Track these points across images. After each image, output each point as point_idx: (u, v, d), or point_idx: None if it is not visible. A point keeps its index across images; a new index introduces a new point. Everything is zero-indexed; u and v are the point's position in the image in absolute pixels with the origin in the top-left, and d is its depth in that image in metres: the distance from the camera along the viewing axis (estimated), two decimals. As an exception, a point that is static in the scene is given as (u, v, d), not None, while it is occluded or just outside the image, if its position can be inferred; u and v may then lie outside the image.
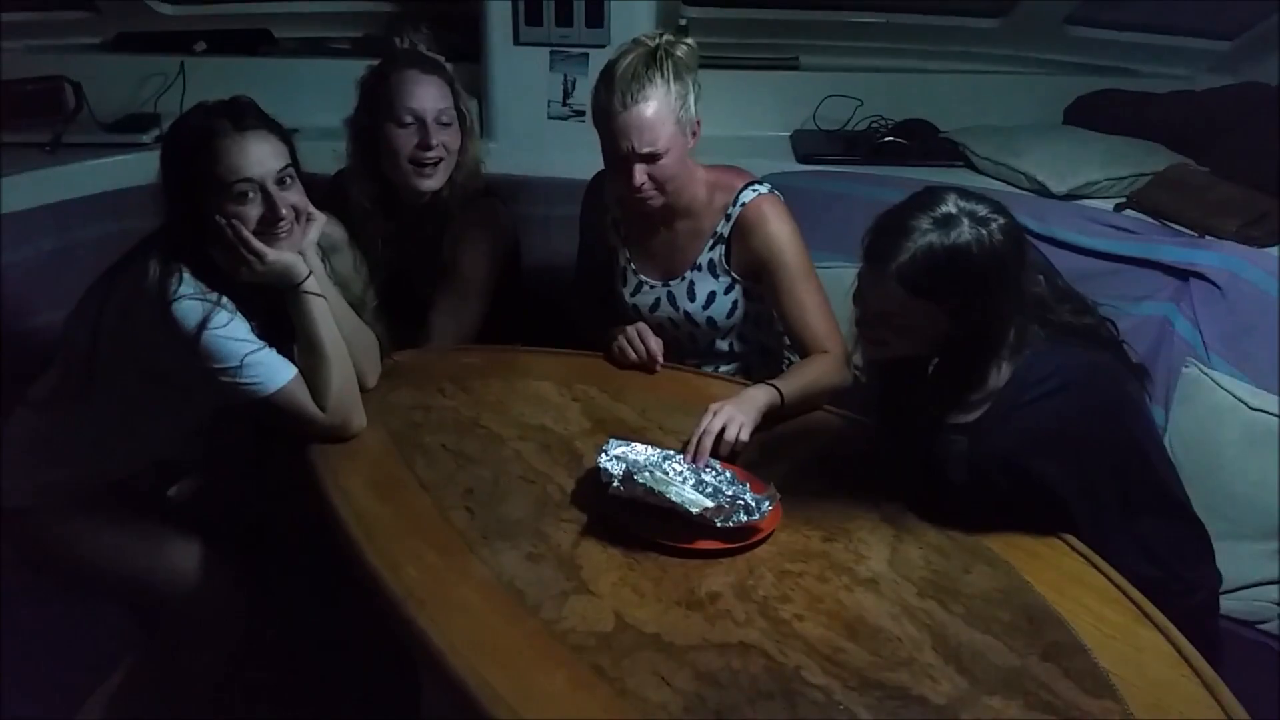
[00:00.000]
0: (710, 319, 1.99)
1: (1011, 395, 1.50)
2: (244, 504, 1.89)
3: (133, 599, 1.72)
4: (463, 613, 1.33)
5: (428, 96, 2.00)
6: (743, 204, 1.93)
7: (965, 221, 1.42)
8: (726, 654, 1.27)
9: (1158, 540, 1.59)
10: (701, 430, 1.63)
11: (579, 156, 2.43)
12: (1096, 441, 1.49)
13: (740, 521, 1.45)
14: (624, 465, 1.53)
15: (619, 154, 1.81)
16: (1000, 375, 1.50)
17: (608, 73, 1.81)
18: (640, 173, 1.81)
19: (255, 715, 1.82)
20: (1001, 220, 1.44)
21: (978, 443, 1.50)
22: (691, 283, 1.99)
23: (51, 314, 1.71)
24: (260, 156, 1.58)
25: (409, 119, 1.99)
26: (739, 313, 1.99)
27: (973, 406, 1.52)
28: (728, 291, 1.97)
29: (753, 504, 1.48)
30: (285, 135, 1.63)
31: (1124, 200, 2.36)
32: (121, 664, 1.69)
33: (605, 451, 1.55)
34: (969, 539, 1.50)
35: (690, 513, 1.44)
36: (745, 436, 1.65)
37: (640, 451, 1.58)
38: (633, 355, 1.91)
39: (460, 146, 2.05)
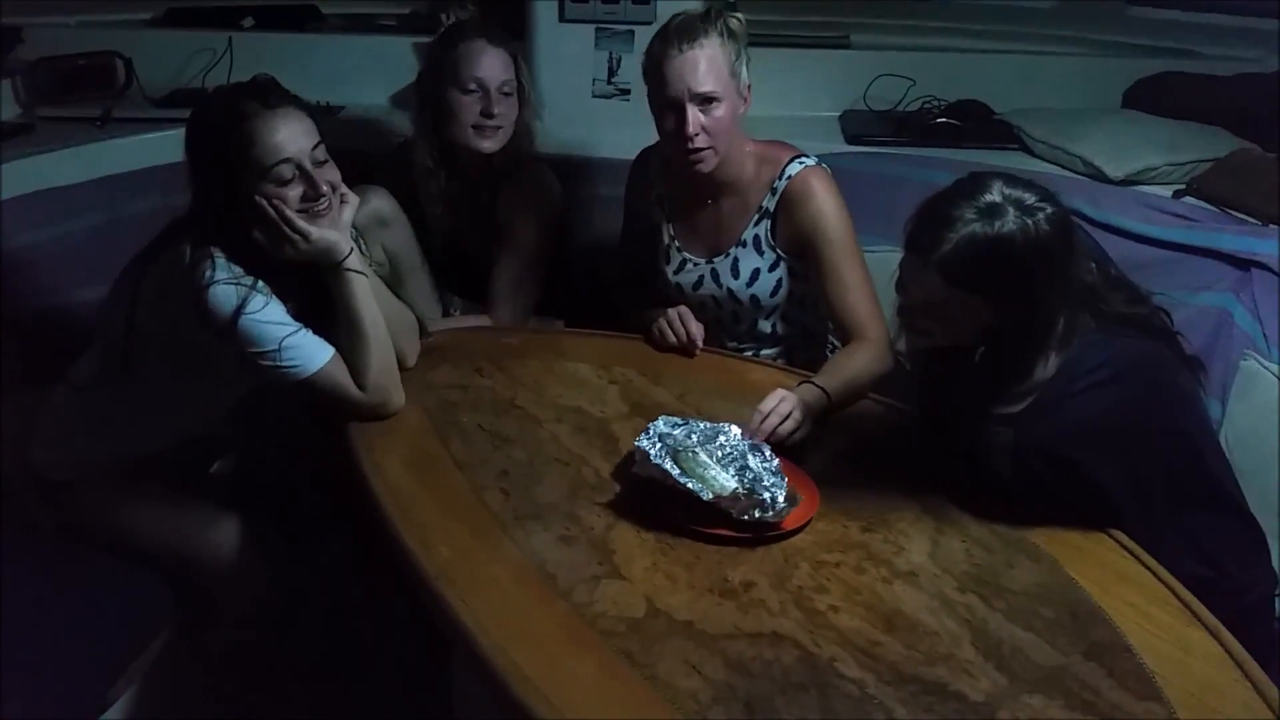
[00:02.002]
0: (754, 297, 1.96)
1: (1059, 386, 1.45)
2: (282, 480, 1.90)
3: (171, 572, 1.74)
4: (494, 593, 1.32)
5: (493, 66, 2.08)
6: (789, 177, 1.90)
7: (1010, 210, 1.37)
8: (759, 644, 1.25)
9: (1209, 538, 1.54)
10: (769, 410, 1.60)
11: (624, 134, 2.42)
12: (1146, 434, 1.45)
13: (754, 517, 1.41)
14: (659, 444, 1.50)
15: (673, 98, 1.79)
16: (1048, 366, 1.46)
17: (663, 29, 1.83)
18: (695, 119, 1.78)
19: (288, 690, 1.83)
20: (1049, 209, 1.39)
21: (1023, 434, 1.46)
22: (736, 259, 1.96)
23: (100, 288, 1.72)
24: (294, 135, 1.57)
25: (473, 86, 2.07)
26: (783, 291, 1.96)
27: (1019, 397, 1.48)
28: (772, 269, 1.94)
29: (770, 502, 1.42)
30: (312, 111, 1.62)
31: (1184, 186, 2.28)
32: (156, 638, 1.70)
33: (649, 430, 1.53)
34: (1013, 533, 1.47)
35: (701, 499, 1.42)
36: (792, 433, 1.60)
37: (689, 429, 1.55)
38: (672, 338, 1.89)
39: (517, 115, 2.13)
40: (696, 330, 1.89)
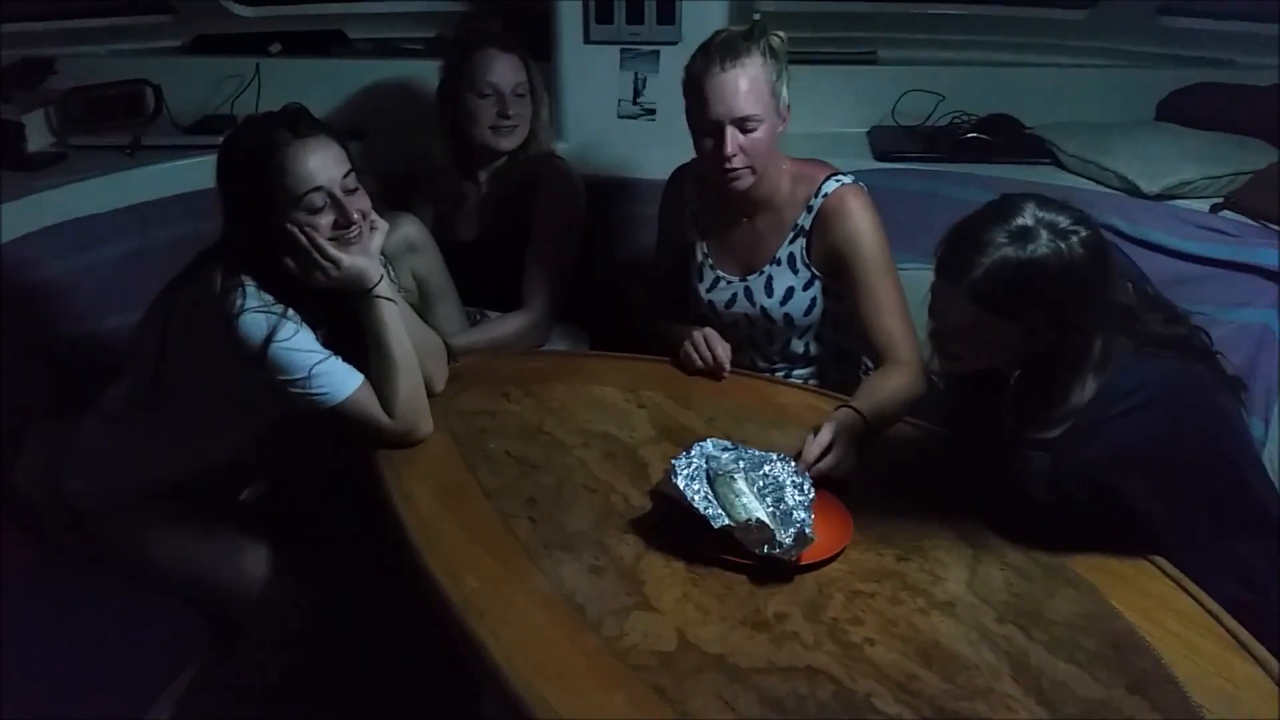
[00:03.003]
0: (788, 315, 1.95)
1: (1097, 411, 1.42)
2: (312, 507, 1.90)
3: (201, 600, 1.74)
4: (522, 626, 1.30)
5: (506, 71, 2.22)
6: (825, 195, 1.88)
7: (1044, 234, 1.35)
8: (793, 678, 1.22)
9: (1253, 562, 1.50)
10: (816, 443, 1.56)
11: (649, 155, 2.44)
12: (1187, 458, 1.41)
13: (763, 552, 1.38)
14: (695, 464, 1.49)
15: (712, 119, 1.79)
16: (1085, 390, 1.43)
17: (705, 45, 1.83)
18: (733, 140, 1.78)
19: (323, 715, 1.82)
20: (1084, 232, 1.36)
21: (1061, 460, 1.43)
22: (770, 278, 1.94)
23: (130, 315, 1.73)
24: (325, 163, 1.58)
25: (488, 90, 2.22)
26: (817, 311, 1.94)
27: (1055, 422, 1.44)
28: (806, 288, 1.93)
29: (781, 540, 1.38)
30: (342, 139, 1.62)
31: (1221, 200, 2.23)
32: (188, 667, 1.70)
33: (694, 449, 1.52)
34: (1052, 560, 1.43)
35: (712, 526, 1.39)
36: (835, 465, 1.56)
37: (738, 454, 1.53)
38: (698, 361, 1.87)
39: (533, 113, 2.27)
40: (724, 352, 1.87)
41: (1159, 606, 1.35)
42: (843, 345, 2.01)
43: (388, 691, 1.84)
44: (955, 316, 1.40)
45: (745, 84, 1.77)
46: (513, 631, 1.28)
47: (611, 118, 2.56)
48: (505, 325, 2.20)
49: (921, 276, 1.79)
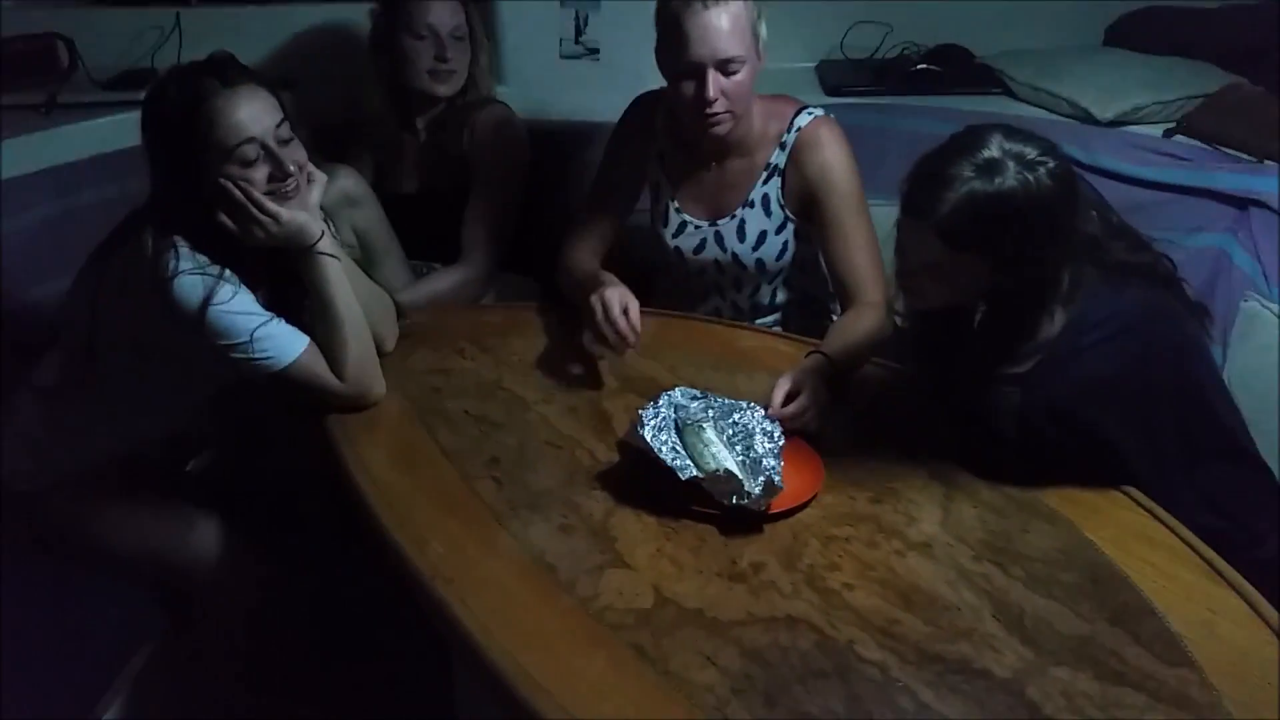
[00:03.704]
0: (760, 261, 1.88)
1: (1066, 343, 1.40)
2: (264, 475, 1.83)
3: (152, 578, 1.67)
4: (493, 591, 1.26)
5: (443, 12, 2.14)
6: (798, 129, 1.81)
7: (1011, 165, 1.31)
8: (774, 629, 1.20)
9: (1222, 489, 1.49)
10: (781, 390, 1.51)
11: (594, 97, 2.35)
12: (1157, 387, 1.40)
13: (732, 503, 1.35)
14: (663, 415, 1.45)
15: (692, 60, 1.68)
16: (1053, 323, 1.41)
17: None
18: (715, 84, 1.68)
19: (285, 690, 1.77)
20: (1051, 163, 1.32)
21: (1030, 394, 1.41)
22: (742, 221, 1.87)
23: (56, 283, 1.64)
24: (257, 113, 1.49)
25: (425, 32, 2.13)
26: (788, 255, 1.88)
27: (1025, 357, 1.42)
28: (779, 231, 1.86)
29: (749, 490, 1.34)
30: (274, 87, 1.53)
31: (1174, 125, 2.22)
32: (143, 647, 1.64)
33: (660, 399, 1.48)
34: (1024, 495, 1.42)
35: (679, 478, 1.36)
36: (801, 414, 1.51)
37: (706, 403, 1.50)
38: (604, 328, 1.62)
39: (471, 58, 2.19)
40: (630, 325, 1.61)
41: (1134, 537, 1.35)
42: (810, 291, 1.96)
43: (356, 664, 1.79)
44: (922, 254, 1.36)
45: (728, 22, 1.67)
46: (484, 598, 1.23)
47: (553, 58, 2.47)
48: (443, 279, 2.13)
49: (878, 213, 1.77)
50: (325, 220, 1.67)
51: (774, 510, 1.37)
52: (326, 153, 2.34)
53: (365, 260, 2.01)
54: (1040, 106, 2.35)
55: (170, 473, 1.77)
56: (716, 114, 1.71)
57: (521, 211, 2.25)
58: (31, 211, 2.20)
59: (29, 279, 2.08)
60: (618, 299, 1.62)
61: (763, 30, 1.75)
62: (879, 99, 2.45)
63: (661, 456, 1.37)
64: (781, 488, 1.35)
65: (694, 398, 1.52)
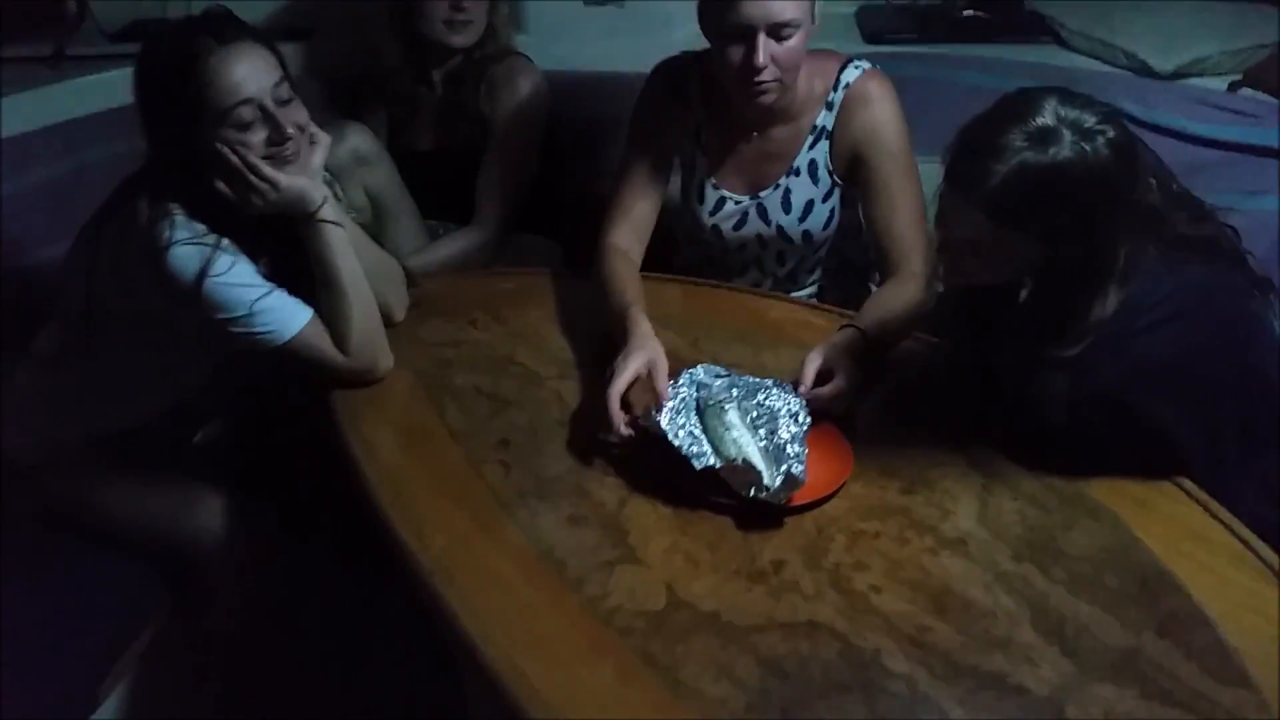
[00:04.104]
0: (806, 233, 1.75)
1: (1120, 325, 1.29)
2: (273, 448, 1.77)
3: (156, 556, 1.62)
4: (496, 589, 1.19)
5: None
6: (846, 86, 1.67)
7: (1067, 135, 1.19)
8: (794, 636, 1.12)
9: (1284, 479, 1.39)
10: (811, 368, 1.42)
11: (619, 45, 2.24)
12: (1216, 373, 1.29)
13: (749, 495, 1.27)
14: (683, 396, 1.37)
15: (744, 23, 1.52)
16: (1107, 304, 1.29)
17: None
18: (766, 49, 1.52)
19: (291, 677, 1.72)
20: (1111, 132, 1.20)
21: (1081, 380, 1.30)
22: (787, 190, 1.73)
23: (63, 245, 1.57)
24: (253, 72, 1.40)
25: None
26: (834, 223, 1.75)
27: (1075, 339, 1.31)
28: (826, 198, 1.73)
29: (767, 484, 1.26)
30: (272, 44, 1.45)
31: (1240, 78, 2.07)
32: (148, 625, 1.60)
33: (682, 377, 1.41)
34: (1069, 486, 1.32)
35: (693, 466, 1.28)
36: (836, 399, 1.41)
37: (730, 381, 1.41)
38: (613, 420, 1.37)
39: (490, 7, 2.08)
40: (624, 423, 1.37)
41: (1186, 535, 1.25)
42: (849, 257, 1.84)
43: (366, 643, 1.74)
44: (967, 229, 1.25)
45: None
46: (486, 596, 1.17)
47: (578, 6, 2.36)
48: (453, 243, 2.04)
49: (923, 170, 1.65)
50: (332, 183, 1.60)
51: (797, 502, 1.28)
52: (340, 106, 2.28)
53: (377, 222, 1.93)
54: (1095, 57, 2.21)
55: (175, 445, 1.71)
56: (765, 82, 1.56)
57: (542, 169, 2.15)
58: (39, 169, 2.13)
59: (35, 241, 2.02)
60: (625, 378, 1.39)
61: None
62: (921, 48, 2.31)
63: (677, 443, 1.29)
64: (803, 480, 1.27)
65: (718, 375, 1.44)
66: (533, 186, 2.13)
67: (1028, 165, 1.18)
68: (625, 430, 1.35)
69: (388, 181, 1.98)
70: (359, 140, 1.92)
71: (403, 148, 2.15)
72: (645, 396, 1.41)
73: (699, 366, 1.44)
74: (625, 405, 1.38)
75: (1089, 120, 1.20)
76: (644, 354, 1.41)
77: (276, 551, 1.65)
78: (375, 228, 1.90)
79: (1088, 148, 1.18)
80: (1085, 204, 1.20)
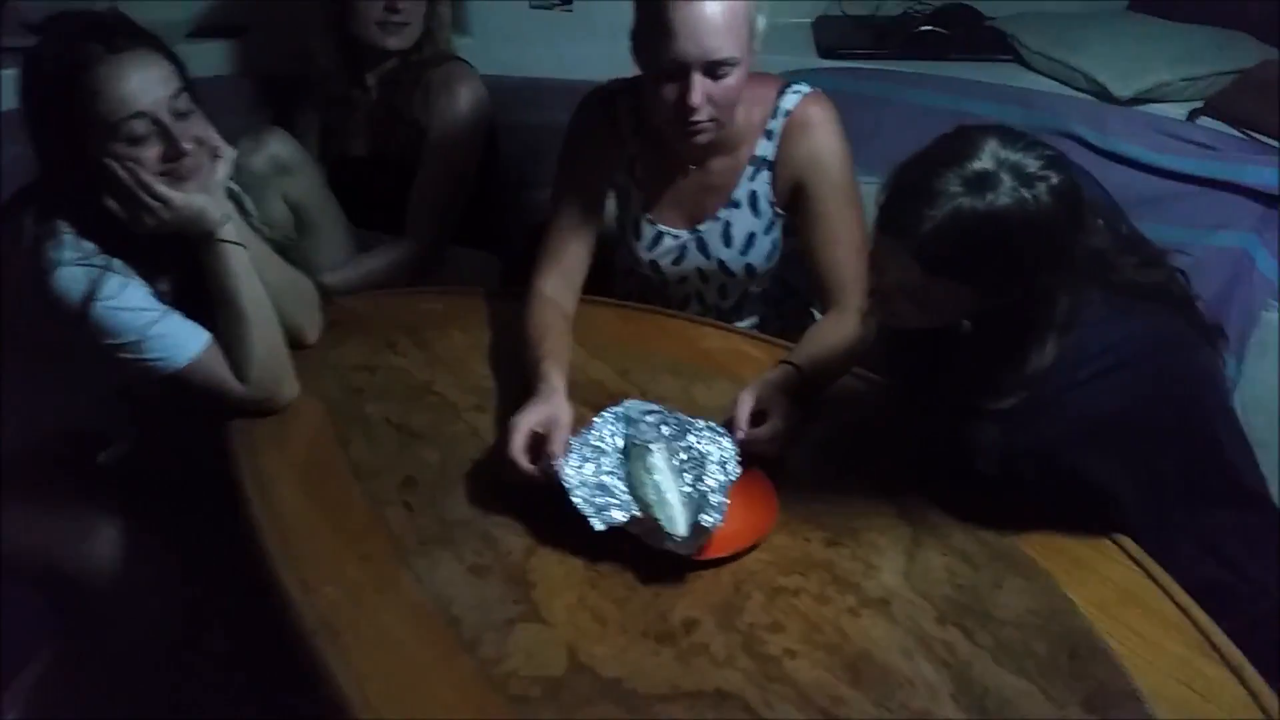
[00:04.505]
0: (749, 266, 1.66)
1: (1058, 377, 1.22)
2: (178, 471, 1.68)
3: (50, 583, 1.53)
4: (382, 648, 1.11)
5: None
6: (787, 114, 1.58)
7: (1006, 180, 1.11)
8: (699, 705, 1.05)
9: (1226, 536, 1.33)
10: (743, 410, 1.35)
11: (569, 51, 2.17)
12: (1161, 428, 1.23)
13: (661, 546, 1.19)
14: (596, 439, 1.30)
15: (677, 59, 1.42)
16: (1045, 354, 1.23)
17: None
18: (701, 89, 1.43)
19: (207, 682, 1.64)
20: (1055, 178, 1.13)
21: (1016, 435, 1.24)
22: (727, 224, 1.64)
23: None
24: (147, 83, 1.31)
25: None
26: (778, 254, 1.67)
27: (1010, 391, 1.24)
28: (769, 230, 1.64)
29: (670, 533, 1.19)
30: (169, 51, 1.36)
31: (1201, 105, 2.01)
32: (37, 658, 1.51)
33: (604, 416, 1.34)
34: (1001, 541, 1.26)
35: (593, 526, 1.20)
36: (771, 444, 1.34)
37: (660, 419, 1.34)
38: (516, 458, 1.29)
39: (428, 9, 1.99)
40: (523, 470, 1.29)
41: (1121, 599, 1.19)
42: (792, 284, 1.76)
43: (270, 673, 1.65)
44: (899, 274, 1.18)
45: (723, 16, 1.41)
46: (372, 657, 1.09)
47: (523, 8, 2.28)
48: (380, 257, 1.95)
49: (868, 192, 1.57)
50: (241, 196, 1.51)
51: (717, 555, 1.21)
52: (277, 107, 2.18)
53: (300, 233, 1.84)
54: (1054, 78, 2.15)
55: (74, 467, 1.62)
56: (700, 121, 1.47)
57: (483, 179, 2.07)
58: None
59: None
60: (520, 433, 1.29)
61: (761, 23, 1.49)
62: (878, 64, 2.25)
63: (578, 500, 1.21)
64: (712, 530, 1.19)
65: (649, 412, 1.36)
66: (472, 197, 2.05)
67: (962, 212, 1.11)
68: (528, 469, 1.28)
69: (310, 190, 1.89)
70: (278, 148, 1.83)
71: (336, 153, 2.06)
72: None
73: (629, 401, 1.37)
74: (535, 453, 1.30)
75: (1031, 165, 1.12)
76: (544, 410, 1.32)
77: (178, 581, 1.55)
78: (298, 239, 1.81)
79: (1028, 195, 1.11)
80: (1023, 254, 1.13)
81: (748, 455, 1.31)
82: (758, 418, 1.36)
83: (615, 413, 1.35)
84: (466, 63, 2.05)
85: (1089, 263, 1.24)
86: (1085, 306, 1.23)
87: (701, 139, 1.51)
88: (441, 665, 1.09)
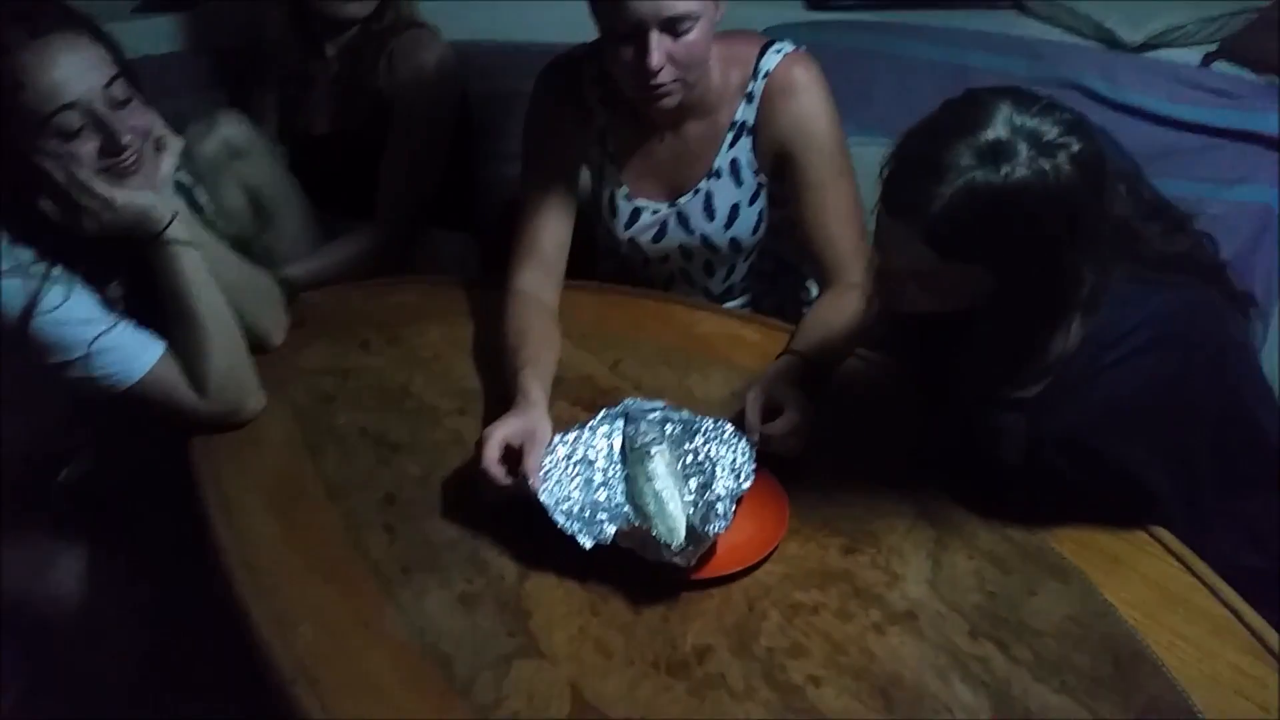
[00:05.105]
0: (734, 240, 1.55)
1: (1084, 360, 1.13)
2: (142, 487, 1.57)
3: (9, 618, 1.43)
4: (368, 695, 1.01)
5: None
6: (766, 75, 1.46)
7: (1023, 150, 1.01)
8: (719, 747, 0.96)
9: (1266, 521, 1.25)
10: (753, 409, 1.25)
11: (541, 13, 2.05)
12: (1194, 409, 1.14)
13: (659, 559, 1.10)
14: (586, 447, 1.21)
15: (631, 19, 1.32)
16: (1069, 336, 1.13)
17: None
18: (660, 49, 1.33)
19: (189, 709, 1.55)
20: (1076, 145, 1.02)
21: (1041, 423, 1.14)
22: (708, 195, 1.53)
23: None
24: (77, 70, 1.19)
25: None
26: (764, 226, 1.56)
27: (1034, 378, 1.15)
28: (753, 200, 1.53)
29: (669, 545, 1.10)
30: (102, 33, 1.23)
31: (1215, 48, 1.90)
32: (4, 693, 1.42)
33: (602, 414, 1.26)
34: (1031, 539, 1.17)
35: (580, 544, 1.11)
36: (789, 443, 1.24)
37: (664, 417, 1.24)
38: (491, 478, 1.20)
39: None
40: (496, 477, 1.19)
41: (1163, 601, 1.10)
42: (785, 259, 1.65)
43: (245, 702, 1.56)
44: (907, 258, 1.07)
45: None
46: (355, 705, 1.00)
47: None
48: (348, 246, 1.82)
49: (864, 153, 1.45)
50: (193, 189, 1.39)
51: (727, 570, 1.12)
52: (231, 83, 2.05)
53: (259, 221, 1.71)
54: (1058, 25, 2.05)
55: (34, 495, 1.50)
56: (662, 84, 1.37)
57: (455, 153, 1.94)
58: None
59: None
60: (493, 445, 1.19)
61: None
62: (869, 15, 2.13)
63: (561, 520, 1.12)
64: (712, 539, 1.10)
65: (650, 410, 1.26)
66: (444, 174, 1.92)
67: (976, 188, 1.00)
68: (504, 482, 1.18)
69: (268, 174, 1.76)
70: (231, 130, 1.69)
71: (297, 131, 1.93)
72: (559, 427, 1.24)
73: (631, 400, 1.28)
74: (513, 465, 1.19)
75: (1049, 131, 1.01)
76: (518, 425, 1.22)
77: (145, 612, 1.45)
78: (258, 231, 1.68)
79: (1047, 165, 1.01)
80: (1044, 231, 1.02)
81: (763, 455, 1.21)
82: (770, 414, 1.26)
83: (612, 414, 1.26)
84: (432, 28, 1.91)
85: (1114, 236, 1.13)
86: (1110, 284, 1.13)
87: (668, 103, 1.40)
88: (433, 713, 0.99)
